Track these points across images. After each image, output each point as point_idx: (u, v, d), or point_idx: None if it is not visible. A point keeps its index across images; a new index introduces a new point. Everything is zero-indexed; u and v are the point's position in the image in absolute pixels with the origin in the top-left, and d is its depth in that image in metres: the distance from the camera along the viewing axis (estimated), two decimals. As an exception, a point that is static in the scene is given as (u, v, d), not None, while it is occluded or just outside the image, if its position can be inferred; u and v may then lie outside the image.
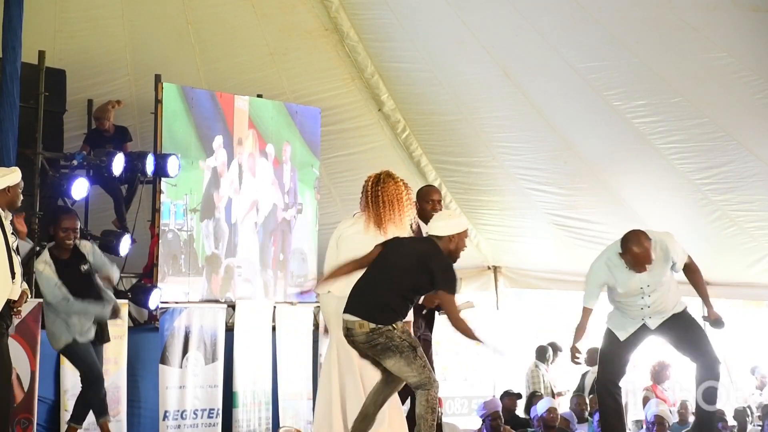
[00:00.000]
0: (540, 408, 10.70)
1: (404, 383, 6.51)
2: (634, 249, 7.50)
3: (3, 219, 7.00)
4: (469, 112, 12.25)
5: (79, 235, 8.62)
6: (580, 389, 12.75)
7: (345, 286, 6.73)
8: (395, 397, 6.89)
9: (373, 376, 6.75)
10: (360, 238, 6.87)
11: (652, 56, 10.39)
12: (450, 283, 6.39)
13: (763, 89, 10.01)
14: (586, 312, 7.83)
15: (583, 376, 13.14)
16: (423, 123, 12.74)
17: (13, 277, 6.97)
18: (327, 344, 7.29)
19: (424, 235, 7.06)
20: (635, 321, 7.84)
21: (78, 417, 8.47)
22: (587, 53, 10.76)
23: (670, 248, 7.62)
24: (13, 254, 7.00)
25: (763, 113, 10.27)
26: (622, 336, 7.87)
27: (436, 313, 7.66)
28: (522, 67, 11.50)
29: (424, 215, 7.58)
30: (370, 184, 7.09)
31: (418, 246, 6.56)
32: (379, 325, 6.27)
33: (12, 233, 7.10)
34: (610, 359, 7.96)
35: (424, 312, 7.44)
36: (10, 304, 7.02)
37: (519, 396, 11.97)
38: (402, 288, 6.38)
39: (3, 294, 6.90)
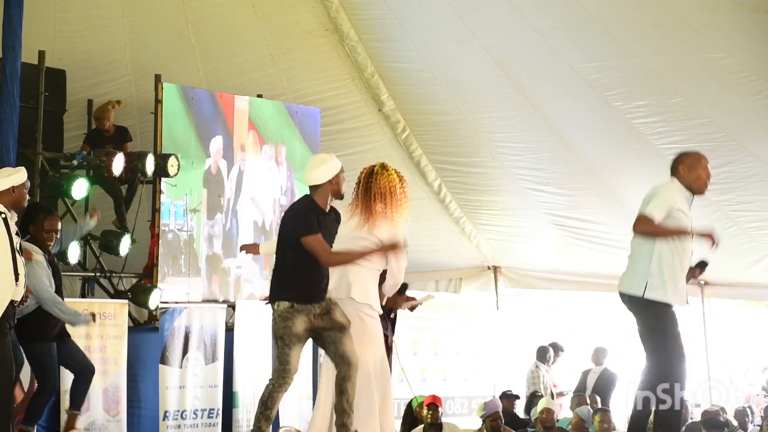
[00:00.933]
0: (538, 408, 10.70)
1: (353, 372, 6.53)
2: (705, 161, 6.86)
3: (9, 219, 6.95)
4: (469, 112, 12.25)
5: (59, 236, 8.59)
6: (581, 389, 12.74)
7: (334, 288, 6.76)
8: (386, 396, 6.91)
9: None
10: (344, 230, 6.76)
11: (653, 56, 10.40)
12: (301, 224, 6.41)
13: (763, 89, 10.01)
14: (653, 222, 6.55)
15: (585, 374, 13.14)
16: (423, 123, 12.74)
17: (17, 279, 6.92)
18: None
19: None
20: (683, 285, 6.76)
21: (76, 402, 8.50)
22: (587, 53, 10.76)
23: None
24: (17, 255, 6.95)
25: (763, 113, 10.28)
26: (682, 302, 6.75)
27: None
28: (522, 68, 11.51)
29: None
30: (363, 175, 6.99)
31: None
32: (270, 304, 6.51)
33: (16, 233, 7.05)
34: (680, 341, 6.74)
35: (392, 315, 7.42)
36: (15, 305, 6.99)
37: (517, 397, 11.97)
38: (277, 257, 6.55)
39: (6, 295, 6.86)
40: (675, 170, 6.88)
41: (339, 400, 6.52)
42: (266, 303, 6.64)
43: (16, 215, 7.14)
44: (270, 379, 6.49)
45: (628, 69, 10.67)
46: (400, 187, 6.89)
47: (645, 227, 6.60)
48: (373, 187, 6.84)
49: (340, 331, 6.55)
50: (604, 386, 12.91)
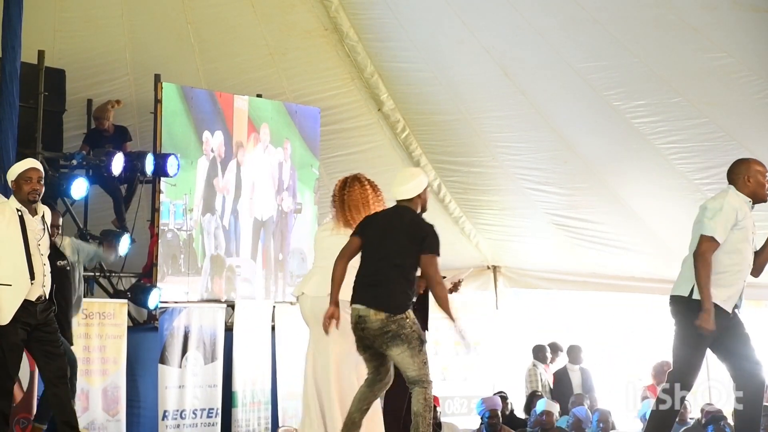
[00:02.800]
0: (537, 409, 10.68)
1: (386, 388, 6.52)
2: (760, 167, 6.72)
3: (24, 215, 6.89)
4: (469, 111, 12.24)
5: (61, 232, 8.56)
6: (566, 388, 12.68)
7: (317, 286, 6.85)
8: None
9: (347, 375, 6.86)
10: (333, 240, 6.88)
11: (652, 56, 10.39)
12: (437, 245, 6.44)
13: (762, 89, 10.01)
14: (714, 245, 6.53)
15: (563, 374, 13.05)
16: (422, 123, 12.73)
17: (33, 278, 6.86)
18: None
19: None
20: (738, 290, 6.78)
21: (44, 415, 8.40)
22: (587, 53, 10.75)
23: None
24: (34, 253, 6.85)
25: (763, 113, 10.27)
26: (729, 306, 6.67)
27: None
28: (522, 67, 11.50)
29: None
30: (337, 188, 7.14)
31: (398, 219, 6.51)
32: (392, 313, 6.29)
33: (42, 228, 6.94)
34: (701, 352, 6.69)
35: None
36: (34, 305, 6.91)
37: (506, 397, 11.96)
38: (399, 264, 6.36)
39: (19, 294, 6.81)
40: (736, 180, 6.81)
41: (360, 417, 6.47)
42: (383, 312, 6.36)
43: (44, 211, 7.04)
44: (421, 387, 6.28)
45: (627, 68, 10.66)
46: (373, 196, 7.04)
47: (702, 258, 6.57)
48: (347, 199, 7.00)
49: None
50: (591, 385, 12.94)
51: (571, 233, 12.97)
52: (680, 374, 6.66)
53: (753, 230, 6.78)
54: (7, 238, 6.80)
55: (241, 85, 11.63)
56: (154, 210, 10.34)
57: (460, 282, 7.58)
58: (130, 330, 9.94)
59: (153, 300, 10.02)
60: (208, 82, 11.56)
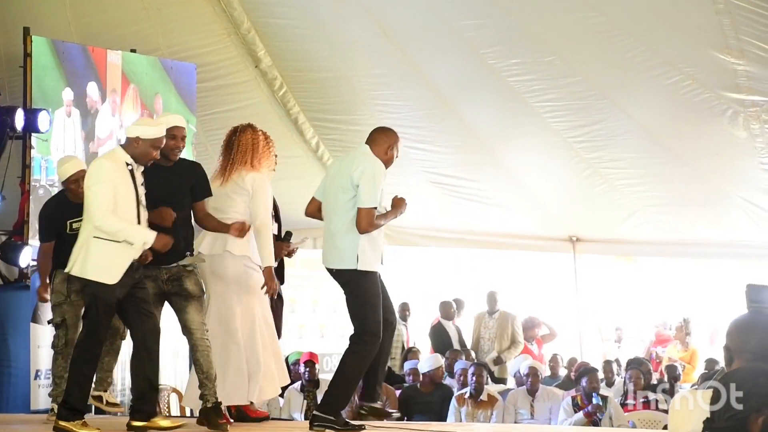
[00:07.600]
0: (425, 365, 10.71)
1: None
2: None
3: (135, 171, 6.39)
4: (347, 69, 12.22)
5: None
6: (445, 344, 12.88)
7: (211, 244, 6.77)
8: (274, 345, 6.94)
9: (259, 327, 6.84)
10: (218, 192, 6.80)
11: (527, 15, 10.52)
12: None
13: (633, 48, 10.22)
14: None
15: (440, 329, 13.25)
16: (300, 80, 12.66)
17: None
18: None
19: None
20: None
21: None
22: (464, 11, 10.82)
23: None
24: (141, 208, 6.40)
25: (634, 72, 10.50)
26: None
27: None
28: (400, 26, 11.52)
29: None
30: (228, 134, 7.03)
31: None
32: None
33: (142, 184, 6.44)
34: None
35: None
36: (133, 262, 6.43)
37: None
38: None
39: (132, 252, 6.34)
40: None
41: (196, 372, 6.60)
42: None
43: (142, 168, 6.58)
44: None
45: (503, 27, 10.78)
46: (264, 143, 6.94)
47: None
48: (236, 143, 6.87)
49: (186, 299, 6.57)
50: (463, 340, 13.26)
51: (449, 191, 13.10)
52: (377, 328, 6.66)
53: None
54: (121, 193, 6.36)
55: (114, 40, 11.38)
56: (25, 166, 10.09)
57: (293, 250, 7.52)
58: (1, 288, 9.74)
59: (24, 258, 9.80)
60: (81, 37, 11.29)
